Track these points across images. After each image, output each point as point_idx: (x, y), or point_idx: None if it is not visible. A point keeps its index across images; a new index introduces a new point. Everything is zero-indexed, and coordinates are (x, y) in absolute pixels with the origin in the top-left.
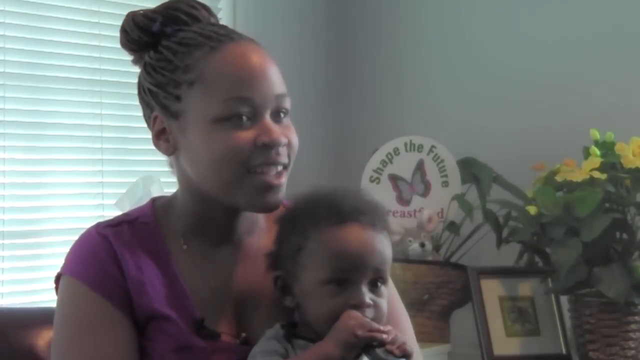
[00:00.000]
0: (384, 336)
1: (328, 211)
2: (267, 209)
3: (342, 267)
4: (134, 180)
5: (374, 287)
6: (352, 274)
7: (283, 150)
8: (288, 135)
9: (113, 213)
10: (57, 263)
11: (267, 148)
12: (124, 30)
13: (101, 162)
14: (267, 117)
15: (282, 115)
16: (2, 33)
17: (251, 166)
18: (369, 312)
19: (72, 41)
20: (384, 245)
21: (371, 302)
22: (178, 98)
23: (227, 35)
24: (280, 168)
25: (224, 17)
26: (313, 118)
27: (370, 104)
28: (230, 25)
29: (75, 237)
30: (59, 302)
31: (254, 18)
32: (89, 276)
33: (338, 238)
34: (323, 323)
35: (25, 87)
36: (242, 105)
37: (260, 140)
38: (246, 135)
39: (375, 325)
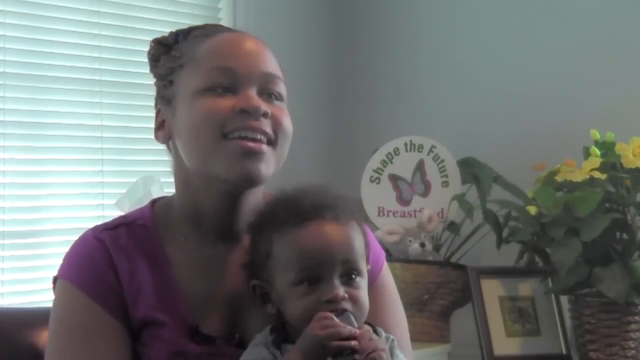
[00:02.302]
0: (354, 343)
1: (287, 214)
2: (246, 176)
3: (308, 265)
4: (134, 180)
5: (349, 280)
6: (320, 270)
7: (265, 121)
8: (276, 113)
9: (113, 213)
10: (57, 263)
11: (245, 114)
12: (149, 55)
13: (101, 162)
14: (251, 90)
15: (273, 97)
16: (2, 33)
17: (227, 131)
18: (346, 305)
19: (72, 41)
20: (350, 237)
21: (345, 295)
22: (171, 82)
23: (226, 29)
24: (260, 137)
25: (224, 17)
26: (313, 118)
27: (370, 104)
28: (230, 26)
29: (75, 237)
30: (54, 305)
31: (254, 18)
32: (83, 281)
33: (299, 238)
34: (302, 324)
35: (25, 87)
36: (224, 75)
37: (238, 105)
38: (225, 102)
39: (346, 330)
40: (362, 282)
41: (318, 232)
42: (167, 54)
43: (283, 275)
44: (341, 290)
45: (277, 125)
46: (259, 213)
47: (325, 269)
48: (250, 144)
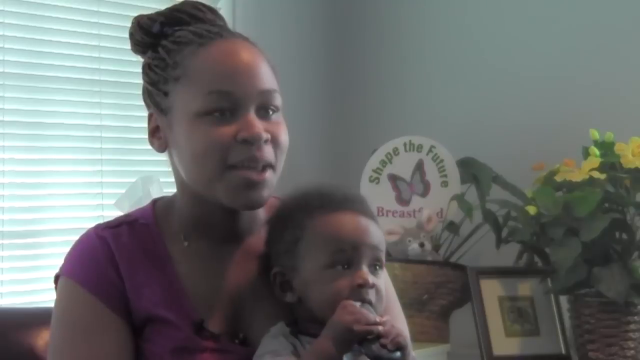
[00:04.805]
0: (380, 328)
1: (321, 201)
2: (249, 205)
3: (342, 248)
4: (133, 180)
5: (373, 270)
6: (352, 255)
7: (267, 147)
8: (274, 132)
9: (112, 213)
10: (57, 263)
11: (247, 144)
12: (130, 34)
13: (101, 162)
14: (251, 113)
15: (270, 112)
16: (2, 33)
17: (232, 163)
18: (371, 293)
19: (72, 41)
20: (378, 230)
21: (374, 283)
22: (166, 94)
23: (217, 33)
24: (263, 166)
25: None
26: (313, 118)
27: (370, 104)
28: (229, 26)
29: (75, 237)
30: (56, 303)
31: (254, 18)
32: (85, 278)
33: (335, 223)
34: (329, 308)
35: (25, 87)
36: (223, 99)
37: (241, 135)
38: (227, 131)
39: (372, 317)
40: (383, 275)
41: (353, 220)
42: (154, 48)
43: (314, 259)
44: (371, 277)
45: (276, 145)
46: (284, 204)
47: (357, 255)
48: (254, 177)
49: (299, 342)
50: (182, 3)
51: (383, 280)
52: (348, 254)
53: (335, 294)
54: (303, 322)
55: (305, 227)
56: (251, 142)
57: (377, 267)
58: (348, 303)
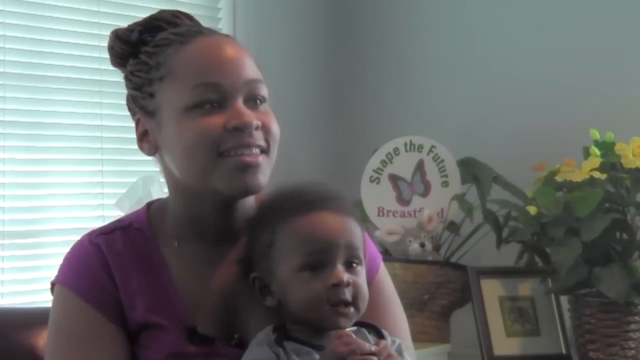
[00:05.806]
0: (375, 359)
1: (291, 204)
2: (246, 189)
3: (313, 249)
4: (134, 180)
5: (350, 268)
6: (324, 255)
7: (257, 134)
8: (264, 120)
9: (113, 213)
10: (57, 263)
11: (238, 131)
12: (109, 48)
13: (101, 162)
14: (239, 102)
15: (258, 102)
16: (2, 33)
17: (223, 150)
18: (348, 292)
19: (72, 41)
20: (352, 226)
21: (350, 281)
22: (152, 95)
23: (198, 31)
24: (255, 150)
25: (224, 18)
26: (313, 118)
27: (370, 104)
28: (230, 26)
29: (76, 237)
30: (52, 311)
31: (254, 18)
32: (80, 287)
33: (305, 224)
34: (305, 310)
35: (25, 87)
36: (211, 91)
37: (231, 124)
38: (216, 120)
39: (367, 347)
40: (362, 271)
41: (323, 219)
42: (135, 56)
43: (287, 261)
44: (346, 276)
45: (267, 133)
46: (259, 207)
47: (329, 255)
48: (248, 159)
49: (282, 352)
50: (159, 12)
51: (364, 277)
52: (320, 255)
53: (312, 296)
54: (290, 325)
55: (277, 231)
56: (242, 129)
57: (355, 264)
58: (344, 333)
